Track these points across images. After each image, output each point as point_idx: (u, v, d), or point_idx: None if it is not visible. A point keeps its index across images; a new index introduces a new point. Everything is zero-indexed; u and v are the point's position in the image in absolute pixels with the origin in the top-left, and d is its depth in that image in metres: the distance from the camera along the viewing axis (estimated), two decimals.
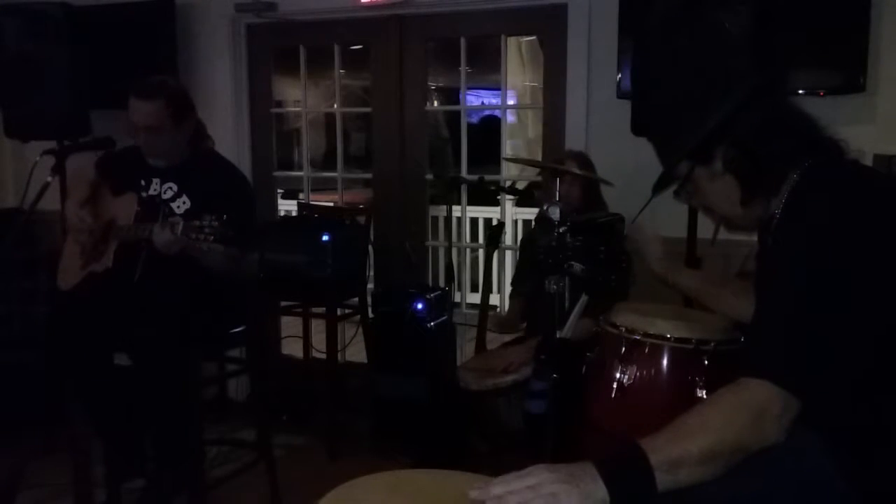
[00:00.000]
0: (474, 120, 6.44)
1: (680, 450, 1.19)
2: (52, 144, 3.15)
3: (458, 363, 3.21)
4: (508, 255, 4.66)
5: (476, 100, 6.74)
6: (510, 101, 6.12)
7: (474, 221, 5.72)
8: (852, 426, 1.28)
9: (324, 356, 3.51)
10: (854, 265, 1.25)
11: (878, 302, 1.26)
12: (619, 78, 3.07)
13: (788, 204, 1.38)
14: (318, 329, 3.61)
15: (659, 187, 1.54)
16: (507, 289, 3.34)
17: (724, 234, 1.60)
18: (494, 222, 3.89)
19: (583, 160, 2.85)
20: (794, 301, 1.27)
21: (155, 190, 2.66)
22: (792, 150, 1.39)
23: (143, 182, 2.67)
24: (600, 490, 1.16)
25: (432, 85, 6.08)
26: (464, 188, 3.67)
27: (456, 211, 3.63)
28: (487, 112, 6.77)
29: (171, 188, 2.65)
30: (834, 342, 1.24)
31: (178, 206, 2.62)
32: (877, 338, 1.26)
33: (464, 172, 3.67)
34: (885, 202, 1.34)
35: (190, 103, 2.69)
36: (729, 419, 1.22)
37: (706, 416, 1.24)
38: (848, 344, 1.25)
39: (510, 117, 6.81)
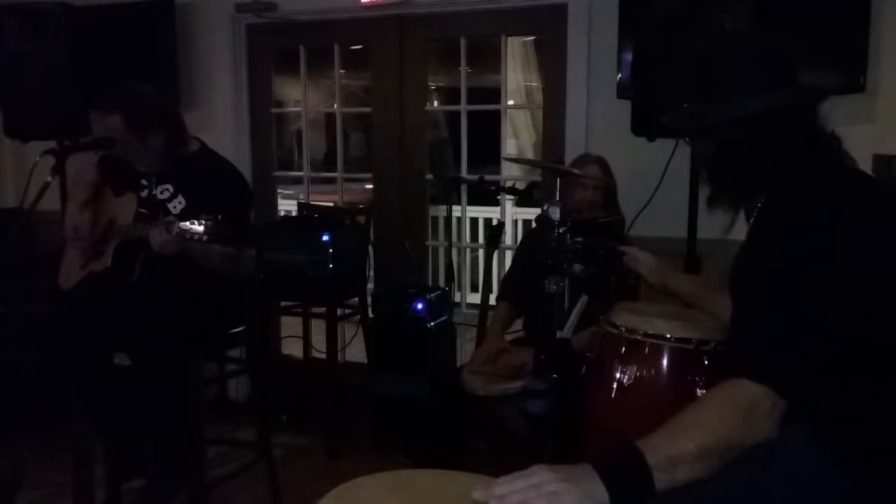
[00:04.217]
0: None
1: (676, 448, 1.21)
2: (52, 144, 3.15)
3: (459, 363, 3.20)
4: (508, 255, 4.66)
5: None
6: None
7: (474, 221, 5.73)
8: (843, 420, 1.30)
9: (324, 356, 3.51)
10: (825, 262, 1.28)
11: (850, 299, 1.28)
12: (619, 78, 3.07)
13: (766, 202, 1.43)
14: (318, 329, 3.61)
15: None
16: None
17: (724, 234, 1.61)
18: (494, 222, 3.89)
19: (604, 165, 2.80)
20: (766, 299, 1.31)
21: (152, 191, 2.65)
22: (768, 174, 1.42)
23: (143, 182, 2.66)
24: (600, 491, 1.18)
25: (432, 85, 6.07)
26: (464, 188, 3.67)
27: (456, 211, 3.63)
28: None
29: (167, 189, 2.64)
30: (808, 337, 1.27)
31: (175, 207, 2.61)
32: (854, 332, 1.29)
33: (464, 172, 3.67)
34: (856, 200, 1.37)
35: (157, 113, 2.57)
36: (722, 416, 1.25)
37: (700, 414, 1.27)
38: (823, 339, 1.27)
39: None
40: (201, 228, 2.28)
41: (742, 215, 1.53)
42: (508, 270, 3.19)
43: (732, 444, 1.23)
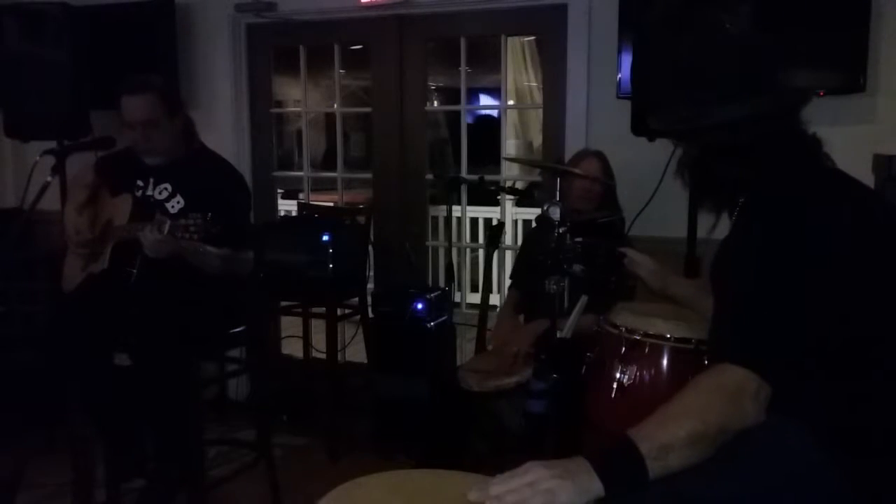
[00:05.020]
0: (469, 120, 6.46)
1: (667, 435, 1.23)
2: (52, 144, 3.15)
3: (459, 363, 3.20)
4: (508, 255, 4.66)
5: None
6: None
7: (474, 221, 5.73)
8: (836, 415, 1.30)
9: (324, 356, 3.50)
10: (811, 259, 1.30)
11: (835, 295, 1.30)
12: (619, 78, 3.07)
13: (750, 201, 1.44)
14: (318, 329, 3.61)
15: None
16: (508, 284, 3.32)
17: (708, 234, 1.62)
18: (494, 222, 3.89)
19: (603, 159, 2.86)
20: (748, 290, 1.33)
21: (149, 190, 2.65)
22: (751, 176, 1.44)
23: (139, 182, 2.66)
24: (595, 483, 1.20)
25: (432, 85, 6.08)
26: (464, 188, 3.67)
27: (456, 211, 3.63)
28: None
29: (165, 189, 2.65)
30: (790, 326, 1.29)
31: (173, 207, 2.61)
32: (839, 326, 1.30)
33: (464, 172, 3.67)
34: (842, 200, 1.38)
35: (179, 97, 2.71)
36: (709, 401, 1.27)
37: (687, 400, 1.29)
38: (806, 330, 1.29)
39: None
40: (193, 228, 2.28)
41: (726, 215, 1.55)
42: (515, 263, 3.29)
43: (722, 429, 1.25)
